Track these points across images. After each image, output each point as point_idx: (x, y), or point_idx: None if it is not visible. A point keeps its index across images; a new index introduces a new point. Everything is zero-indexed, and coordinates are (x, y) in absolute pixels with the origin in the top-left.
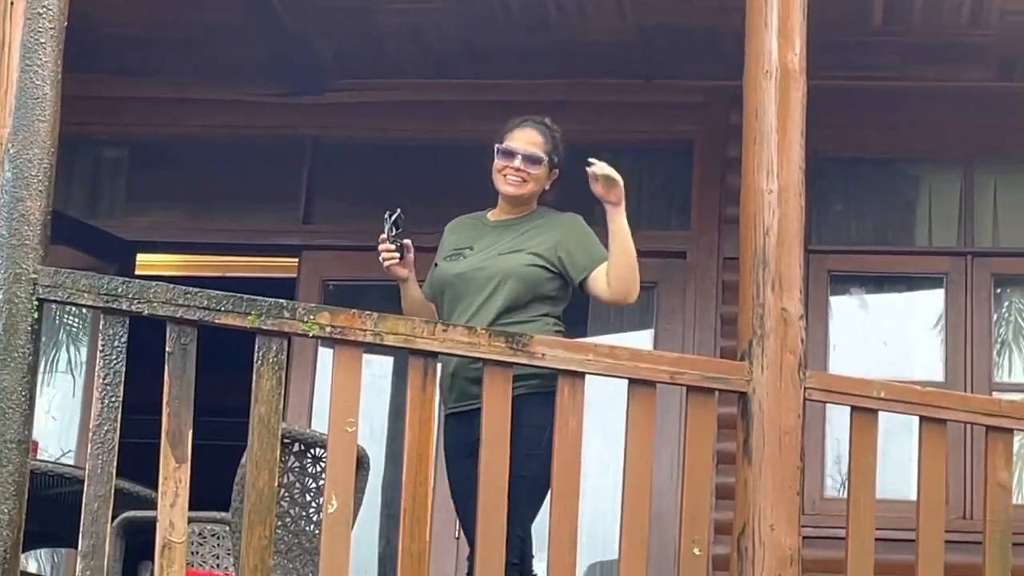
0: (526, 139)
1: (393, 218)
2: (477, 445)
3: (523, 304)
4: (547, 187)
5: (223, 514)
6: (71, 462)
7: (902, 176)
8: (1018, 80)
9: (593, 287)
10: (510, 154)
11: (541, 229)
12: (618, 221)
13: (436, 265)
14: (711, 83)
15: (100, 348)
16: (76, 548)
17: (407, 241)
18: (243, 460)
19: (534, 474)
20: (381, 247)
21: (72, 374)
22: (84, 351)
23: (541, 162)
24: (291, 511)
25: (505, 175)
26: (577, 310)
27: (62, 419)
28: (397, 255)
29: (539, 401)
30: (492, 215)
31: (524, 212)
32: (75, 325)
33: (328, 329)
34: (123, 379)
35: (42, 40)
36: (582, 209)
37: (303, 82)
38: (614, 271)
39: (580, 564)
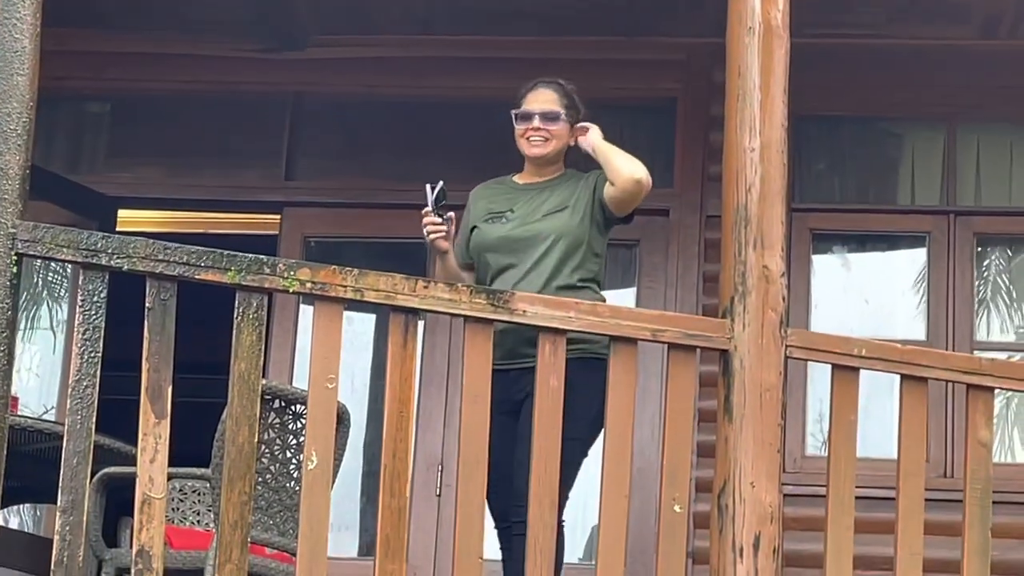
0: (541, 99)
1: (436, 191)
2: (518, 403)
3: (575, 264)
4: (572, 142)
5: (203, 470)
6: (52, 418)
7: (885, 135)
8: (1002, 38)
9: (607, 192)
10: (528, 116)
11: (575, 186)
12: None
13: (475, 229)
14: (694, 40)
15: (80, 303)
16: (54, 503)
17: (451, 214)
18: (223, 416)
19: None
20: (426, 220)
21: (53, 331)
22: (66, 308)
23: (559, 117)
24: (271, 467)
25: (528, 137)
26: None
27: (43, 376)
28: (444, 228)
29: (586, 366)
30: (520, 179)
31: (555, 174)
32: (56, 282)
33: (308, 285)
34: (103, 335)
35: None
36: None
37: (285, 37)
38: (604, 160)
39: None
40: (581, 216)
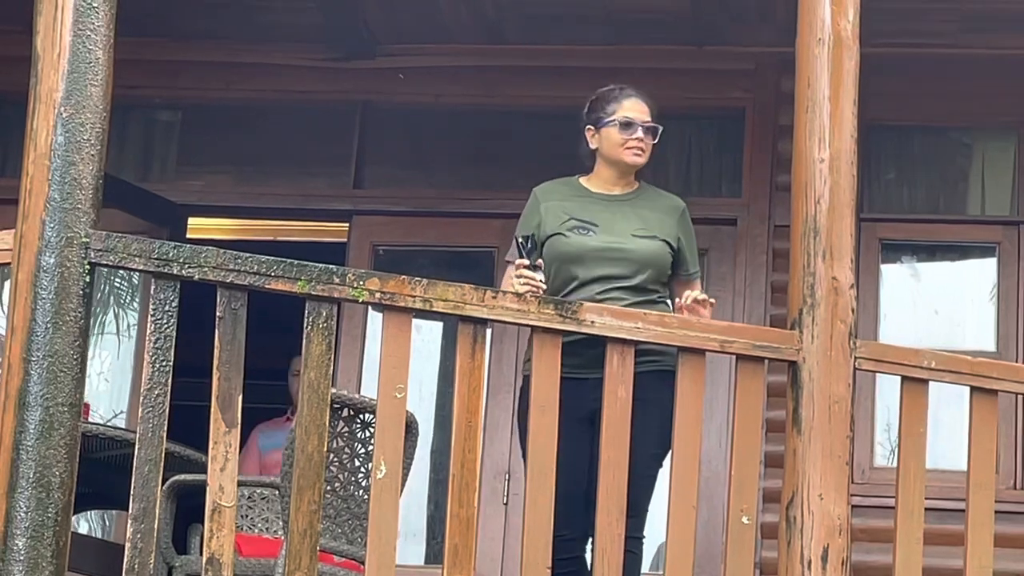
0: (640, 110)
1: (528, 245)
2: (593, 412)
3: (658, 287)
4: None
5: (273, 478)
6: (122, 424)
7: (955, 144)
8: None
9: (672, 289)
10: (630, 125)
11: (658, 209)
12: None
13: (556, 236)
14: (763, 49)
15: (151, 312)
16: (126, 510)
17: (540, 261)
18: (292, 425)
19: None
20: (521, 272)
21: (119, 336)
22: (131, 314)
23: (657, 133)
24: (340, 476)
25: (627, 146)
26: None
27: (113, 381)
28: (540, 284)
29: (661, 379)
30: (593, 186)
31: (631, 186)
32: (123, 288)
33: (378, 295)
34: (174, 343)
35: (95, 4)
36: None
37: (355, 47)
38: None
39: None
40: (667, 250)
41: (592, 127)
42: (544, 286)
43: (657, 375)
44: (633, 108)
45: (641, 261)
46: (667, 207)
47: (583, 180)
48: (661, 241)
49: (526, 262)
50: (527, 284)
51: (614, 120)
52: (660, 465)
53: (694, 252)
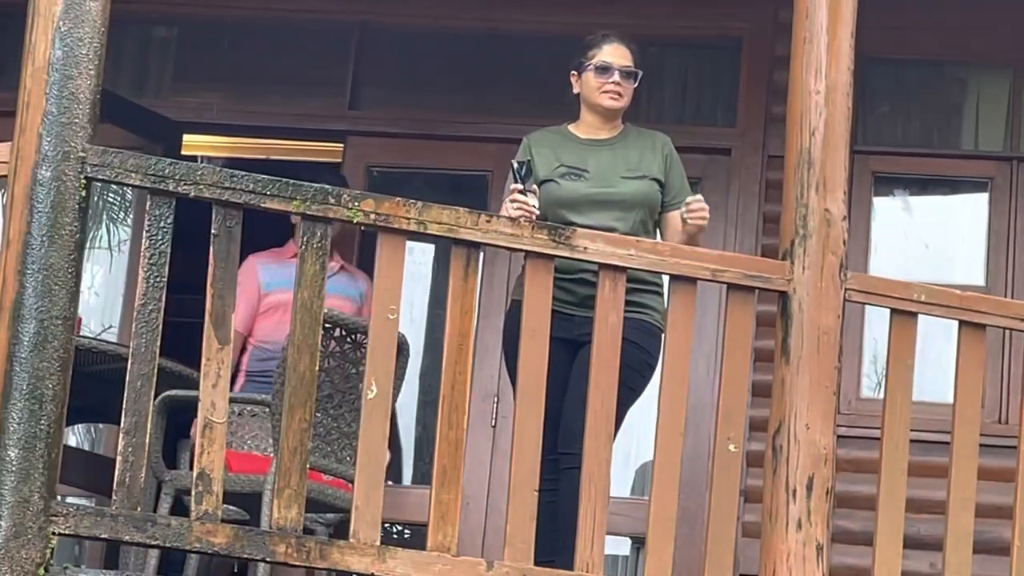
0: (619, 55)
1: (523, 171)
2: (577, 346)
3: (649, 227)
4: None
5: (264, 396)
6: (112, 338)
7: (950, 79)
8: None
9: (663, 222)
10: (607, 69)
11: (643, 148)
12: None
13: (548, 182)
14: None
15: (146, 228)
16: (116, 423)
17: (535, 187)
18: (284, 344)
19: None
20: (515, 197)
21: (111, 251)
22: (124, 229)
23: (636, 77)
24: (330, 395)
25: (604, 90)
26: None
27: (104, 296)
28: (533, 208)
29: (648, 331)
30: (580, 131)
31: (617, 129)
32: (116, 203)
33: (372, 216)
34: (168, 259)
35: None
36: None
37: None
38: (676, 239)
39: (628, 464)
40: (653, 185)
41: (575, 72)
42: (537, 211)
43: (643, 325)
44: (612, 53)
45: (632, 202)
46: (651, 145)
47: (571, 127)
48: (650, 180)
49: (520, 187)
50: (520, 208)
51: (591, 64)
52: (632, 401)
53: (683, 182)
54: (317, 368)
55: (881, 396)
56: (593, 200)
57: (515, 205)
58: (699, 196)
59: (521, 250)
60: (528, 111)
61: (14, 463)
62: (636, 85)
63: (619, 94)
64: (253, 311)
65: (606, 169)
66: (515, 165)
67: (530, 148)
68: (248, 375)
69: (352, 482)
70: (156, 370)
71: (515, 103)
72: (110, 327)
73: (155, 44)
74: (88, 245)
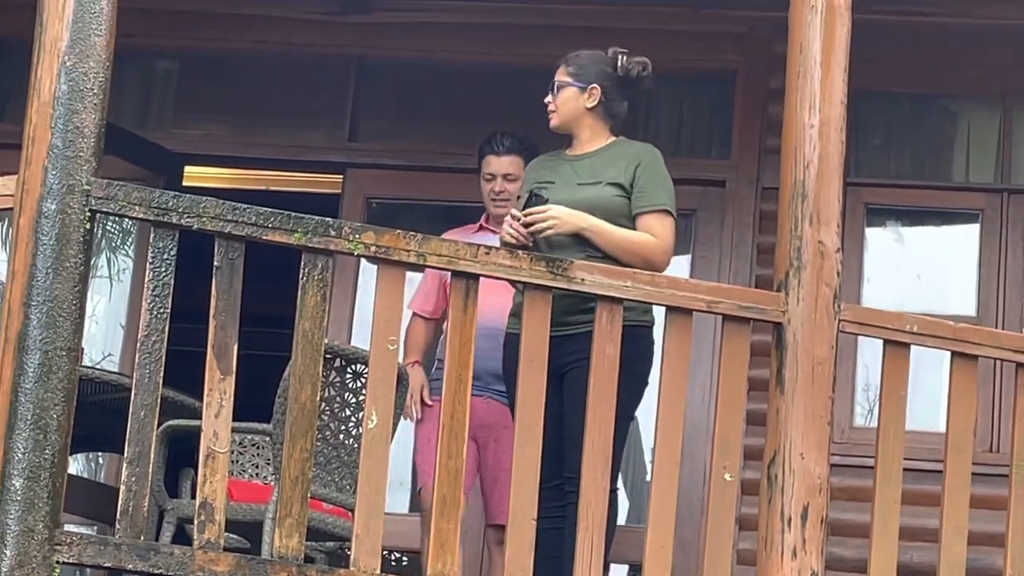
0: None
1: (527, 198)
2: (561, 372)
3: None
4: (589, 106)
5: (265, 426)
6: (112, 366)
7: (941, 112)
8: None
9: (638, 227)
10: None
11: (616, 157)
12: (592, 229)
13: (519, 198)
14: (756, 14)
15: (150, 260)
16: (118, 452)
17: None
18: (286, 373)
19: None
20: (511, 223)
21: (111, 280)
22: (123, 258)
23: (553, 88)
24: (331, 425)
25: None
26: None
27: (104, 323)
28: (525, 239)
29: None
30: (572, 150)
31: (600, 144)
32: (115, 232)
33: (373, 248)
34: (171, 291)
35: None
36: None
37: (351, 1)
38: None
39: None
40: (614, 193)
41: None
42: (527, 241)
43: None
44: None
45: (584, 207)
46: (628, 155)
47: (568, 149)
48: (606, 185)
49: (517, 213)
50: (510, 235)
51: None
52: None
53: (652, 189)
54: (318, 398)
55: (874, 424)
56: None
57: (507, 227)
58: (546, 208)
59: (520, 281)
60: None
61: (19, 492)
62: (591, 89)
63: (552, 112)
64: (443, 291)
65: (569, 179)
66: (527, 193)
67: (528, 174)
68: (439, 361)
69: (352, 511)
70: (159, 400)
71: (509, 134)
72: (109, 355)
73: (157, 77)
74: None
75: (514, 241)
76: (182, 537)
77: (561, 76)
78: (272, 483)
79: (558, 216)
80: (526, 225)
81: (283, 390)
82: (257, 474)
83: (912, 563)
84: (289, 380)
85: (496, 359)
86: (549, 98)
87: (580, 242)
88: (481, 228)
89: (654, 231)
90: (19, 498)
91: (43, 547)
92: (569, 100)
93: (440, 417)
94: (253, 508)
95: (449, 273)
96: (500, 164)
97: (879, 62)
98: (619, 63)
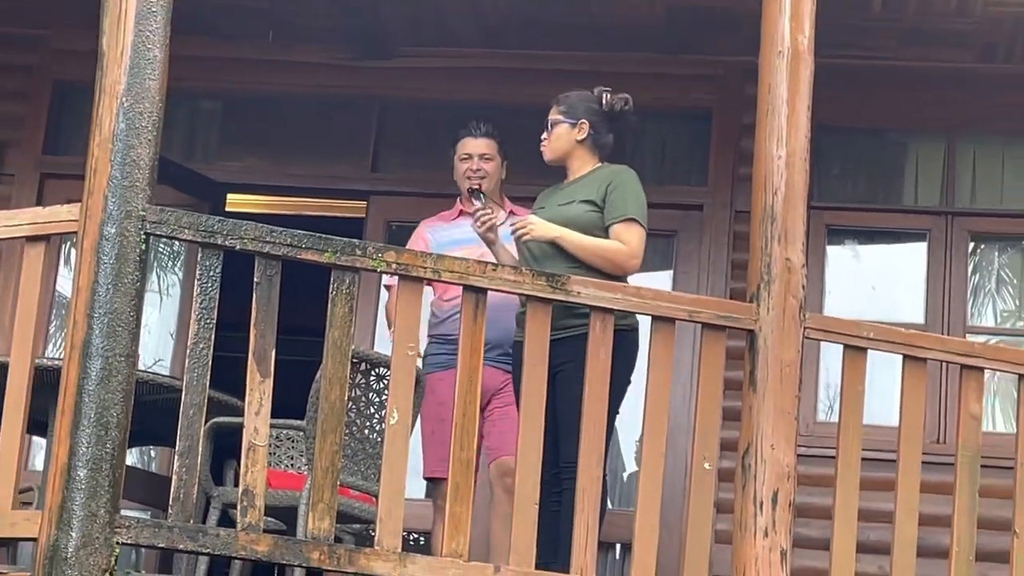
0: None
1: (483, 197)
2: (551, 375)
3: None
4: (579, 139)
5: (299, 422)
6: (162, 370)
7: (893, 144)
8: (997, 62)
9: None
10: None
11: (594, 179)
12: (562, 238)
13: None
14: (729, 58)
15: (197, 277)
16: (169, 445)
17: (490, 204)
18: (317, 376)
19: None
20: (483, 216)
21: (161, 295)
22: (171, 276)
23: (548, 126)
24: (357, 421)
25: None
26: None
27: (155, 333)
28: (494, 218)
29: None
30: (565, 180)
31: (585, 170)
32: (165, 253)
33: (394, 266)
34: (217, 304)
35: (153, 9)
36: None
37: (373, 48)
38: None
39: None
40: (587, 209)
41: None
42: (496, 218)
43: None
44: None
45: (563, 223)
46: (602, 175)
47: (564, 180)
48: (580, 203)
49: (479, 204)
50: (484, 222)
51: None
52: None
53: (621, 201)
54: (346, 397)
55: (835, 419)
56: None
57: (480, 222)
58: (525, 218)
59: (523, 294)
60: (526, 172)
61: (83, 481)
62: (579, 124)
63: (545, 146)
64: None
65: (555, 201)
66: (473, 192)
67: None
68: (431, 339)
69: (376, 497)
70: (206, 400)
71: (515, 165)
72: (161, 360)
73: (202, 116)
74: None
75: (482, 228)
76: (226, 521)
77: (554, 115)
78: (305, 473)
79: (535, 224)
80: (479, 220)
81: (314, 392)
82: (292, 464)
83: (869, 541)
84: (320, 382)
85: (494, 328)
86: (544, 135)
87: (562, 252)
88: (461, 214)
89: (623, 238)
90: (83, 486)
91: (105, 529)
92: (562, 136)
93: (437, 394)
94: (288, 495)
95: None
96: (477, 145)
97: (838, 100)
98: (604, 100)
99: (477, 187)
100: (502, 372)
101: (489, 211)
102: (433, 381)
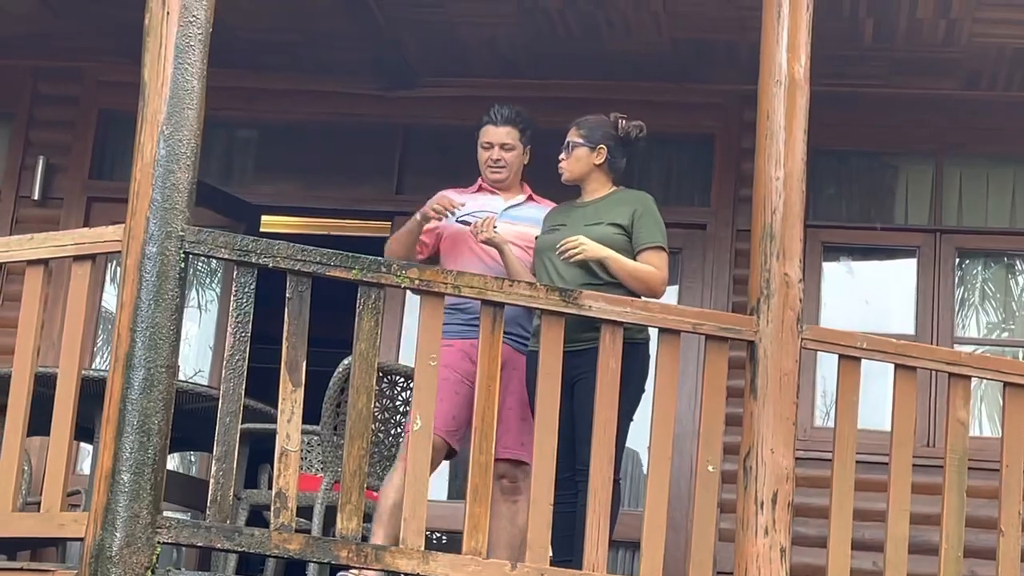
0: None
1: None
2: (569, 385)
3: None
4: (598, 163)
5: (315, 427)
6: (201, 380)
7: (885, 166)
8: (982, 89)
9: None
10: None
11: (618, 202)
12: (611, 258)
13: (536, 239)
14: (730, 87)
15: (233, 293)
16: (208, 452)
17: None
18: (331, 382)
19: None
20: (444, 201)
21: (199, 310)
22: (209, 292)
23: (568, 147)
24: (378, 428)
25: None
26: None
27: (194, 346)
28: (488, 234)
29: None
30: (579, 199)
31: (603, 193)
32: (203, 271)
33: (416, 282)
34: (251, 318)
35: (192, 43)
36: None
37: (398, 79)
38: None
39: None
40: (615, 232)
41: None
42: (488, 232)
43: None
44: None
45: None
46: (625, 200)
47: (577, 199)
48: (608, 225)
49: (471, 226)
50: (439, 209)
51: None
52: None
53: (646, 229)
54: (372, 405)
55: (831, 424)
56: (556, 245)
57: (439, 204)
58: (575, 237)
59: (537, 308)
60: (541, 193)
61: (127, 485)
62: (598, 148)
63: (564, 169)
64: (436, 239)
65: (578, 221)
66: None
67: (546, 218)
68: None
69: None
70: (242, 408)
71: (534, 186)
72: (200, 371)
73: (238, 143)
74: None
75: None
76: (253, 520)
77: (573, 137)
78: (318, 474)
79: (586, 244)
80: (483, 240)
81: (329, 398)
82: (310, 467)
83: (864, 539)
84: (348, 391)
85: None
86: (563, 155)
87: (587, 272)
88: (480, 188)
89: (654, 263)
90: (127, 489)
91: (147, 530)
92: (581, 158)
93: (442, 358)
94: (306, 495)
95: (443, 224)
96: (497, 134)
97: (833, 126)
98: (620, 126)
99: (468, 224)
100: (508, 349)
101: (482, 228)
102: (450, 355)
